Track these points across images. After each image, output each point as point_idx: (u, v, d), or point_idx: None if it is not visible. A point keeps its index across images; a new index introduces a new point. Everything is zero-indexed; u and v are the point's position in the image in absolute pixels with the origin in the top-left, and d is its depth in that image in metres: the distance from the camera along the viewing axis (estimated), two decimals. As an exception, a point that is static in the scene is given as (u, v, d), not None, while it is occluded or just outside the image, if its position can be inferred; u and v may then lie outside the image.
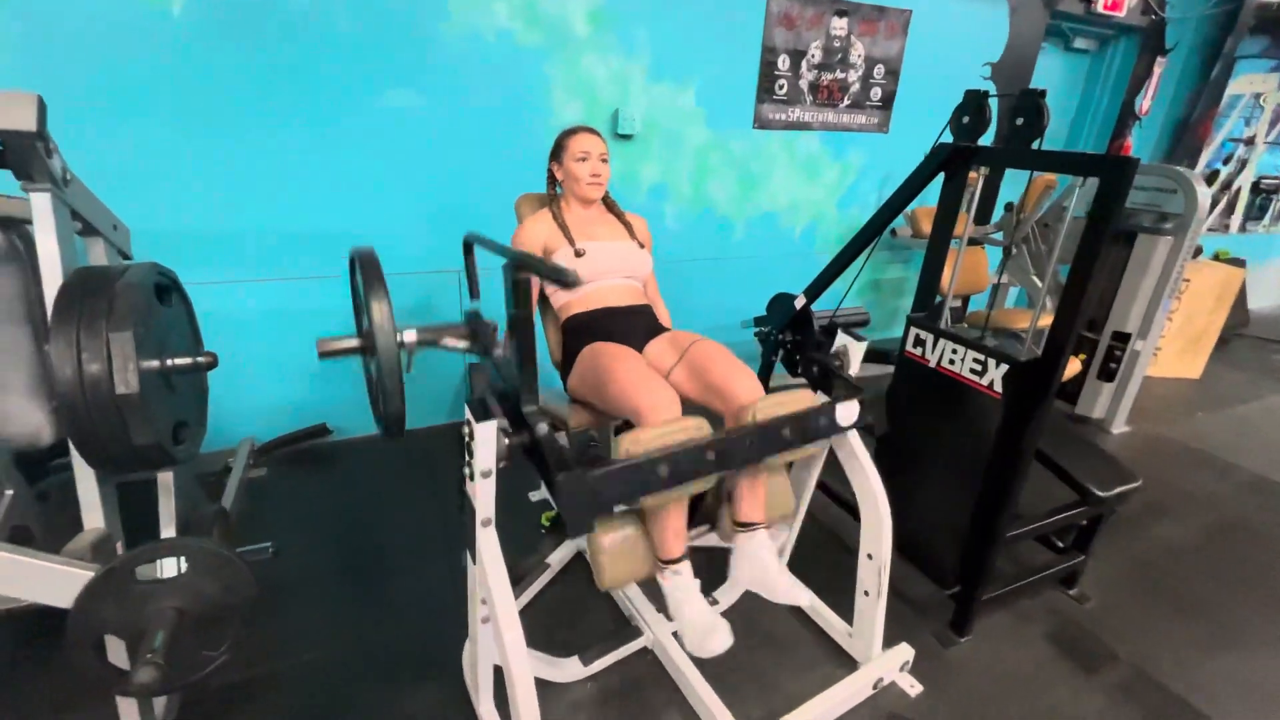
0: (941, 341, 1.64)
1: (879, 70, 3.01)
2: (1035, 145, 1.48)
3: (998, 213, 3.23)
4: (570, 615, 1.74)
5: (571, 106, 2.48)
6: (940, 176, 1.66)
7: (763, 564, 1.35)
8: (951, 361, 1.62)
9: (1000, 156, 1.82)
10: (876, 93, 3.05)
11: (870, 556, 1.56)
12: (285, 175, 2.15)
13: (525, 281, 1.06)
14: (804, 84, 2.87)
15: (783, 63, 2.79)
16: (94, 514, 1.19)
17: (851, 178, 3.16)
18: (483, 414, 1.04)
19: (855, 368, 1.56)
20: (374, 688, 1.51)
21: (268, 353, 2.35)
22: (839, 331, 2.37)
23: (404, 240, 2.39)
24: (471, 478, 1.09)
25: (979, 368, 1.54)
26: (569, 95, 2.45)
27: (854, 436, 1.49)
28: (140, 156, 1.95)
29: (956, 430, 1.64)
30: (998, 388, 1.50)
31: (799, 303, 2.13)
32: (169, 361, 1.19)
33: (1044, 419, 1.48)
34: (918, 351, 1.71)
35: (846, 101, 3.00)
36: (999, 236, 3.15)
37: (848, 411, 1.36)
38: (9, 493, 1.15)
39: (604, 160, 1.62)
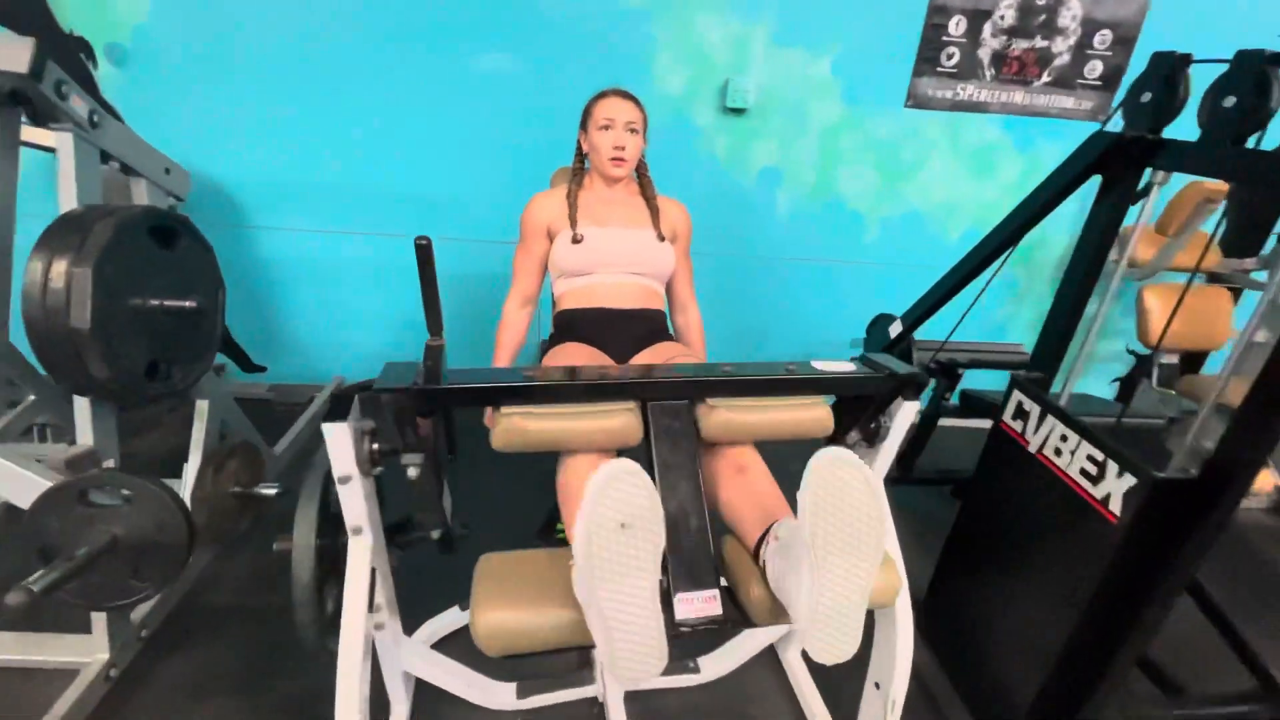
0: (1050, 419, 1.15)
1: (1102, 37, 2.26)
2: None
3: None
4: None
5: (676, 75, 2.21)
6: (1095, 180, 1.14)
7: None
8: (1058, 451, 1.12)
9: (1201, 157, 1.20)
10: (1095, 68, 2.30)
11: (878, 686, 1.18)
12: (382, 135, 2.21)
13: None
14: (985, 54, 2.26)
15: (956, 26, 2.21)
16: (85, 433, 1.30)
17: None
18: (338, 414, 0.91)
19: (897, 432, 1.15)
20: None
21: (361, 301, 2.50)
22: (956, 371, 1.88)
23: (486, 207, 2.36)
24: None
25: (1094, 471, 1.05)
26: (675, 62, 2.19)
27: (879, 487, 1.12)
28: (254, 113, 2.13)
29: (1055, 541, 1.15)
30: (1116, 507, 1.00)
31: (895, 329, 1.69)
32: (144, 301, 1.24)
33: (1191, 567, 0.96)
34: (1017, 426, 1.23)
35: (1046, 78, 2.31)
36: (1261, 276, 2.26)
37: (831, 366, 1.01)
38: (32, 397, 1.30)
39: (632, 130, 1.37)
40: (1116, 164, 1.08)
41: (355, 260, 2.42)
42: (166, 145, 2.06)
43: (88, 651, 1.35)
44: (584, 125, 1.42)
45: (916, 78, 2.29)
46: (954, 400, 2.05)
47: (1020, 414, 1.22)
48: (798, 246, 2.55)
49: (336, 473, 0.94)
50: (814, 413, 1.05)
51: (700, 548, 0.93)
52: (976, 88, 2.31)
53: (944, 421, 2.04)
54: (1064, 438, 1.10)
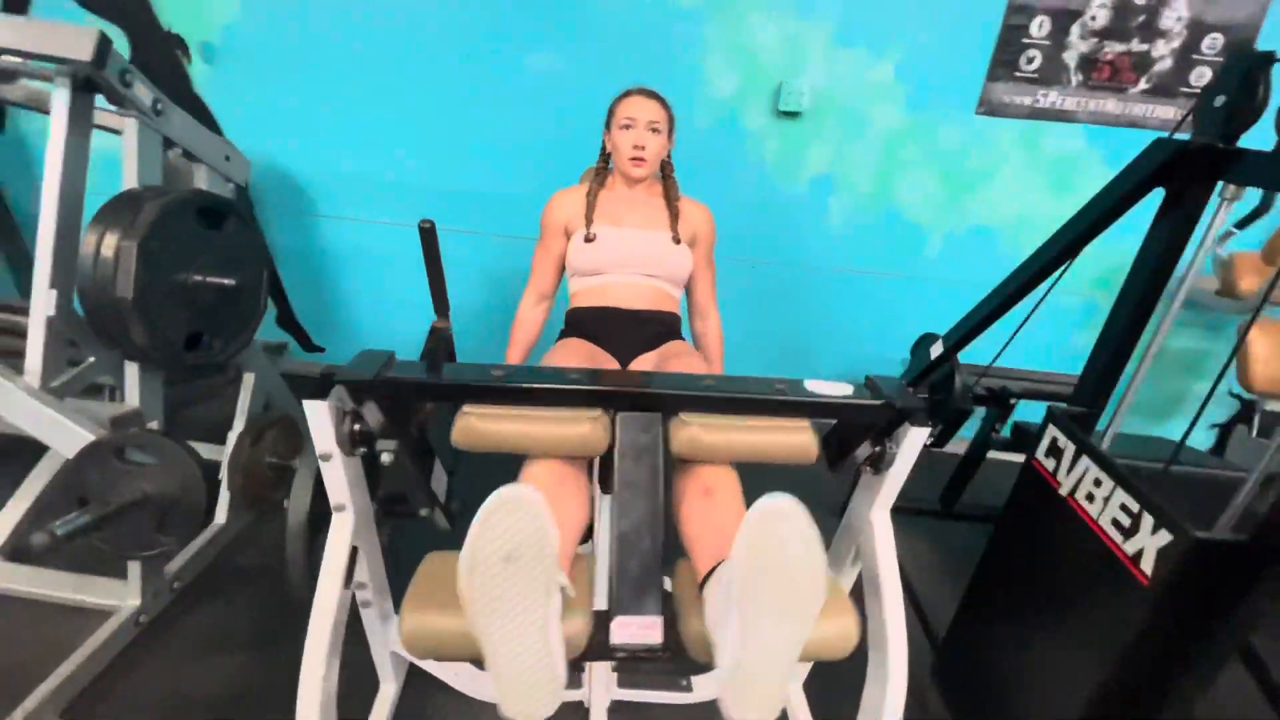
0: (1084, 460, 1.02)
1: (1211, 41, 2.02)
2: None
3: None
4: None
5: (727, 77, 2.16)
6: (1158, 195, 1.01)
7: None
8: (1090, 497, 1.00)
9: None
10: (1202, 74, 2.06)
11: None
12: (440, 132, 2.29)
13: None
14: (1071, 57, 2.07)
15: (1039, 27, 2.04)
16: (132, 394, 1.41)
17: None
18: (319, 392, 0.93)
19: (905, 460, 1.06)
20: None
21: (413, 290, 2.59)
22: (1009, 400, 1.73)
23: (535, 205, 2.39)
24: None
25: (1127, 523, 0.92)
26: (726, 64, 2.15)
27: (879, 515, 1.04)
28: (325, 109, 2.25)
29: (1082, 598, 1.03)
30: (1148, 567, 0.87)
31: (936, 349, 1.58)
32: (187, 276, 1.34)
33: (1237, 638, 0.83)
34: (1049, 465, 1.11)
35: (1144, 85, 2.09)
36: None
37: (824, 388, 0.93)
38: (91, 359, 1.43)
39: (654, 130, 1.34)
40: (1181, 176, 0.94)
41: (409, 251, 2.51)
42: (246, 136, 2.22)
43: (122, 596, 1.46)
44: (608, 124, 1.40)
45: (991, 82, 2.13)
46: (1005, 433, 1.89)
47: (1054, 451, 1.09)
48: (850, 258, 2.43)
49: (317, 449, 0.96)
50: (796, 438, 0.98)
51: (649, 572, 0.89)
52: (1060, 94, 2.12)
53: (994, 455, 1.89)
54: (1098, 482, 0.98)
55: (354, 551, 1.06)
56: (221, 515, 1.73)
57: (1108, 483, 0.95)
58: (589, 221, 1.35)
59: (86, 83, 1.24)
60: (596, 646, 0.88)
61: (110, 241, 1.20)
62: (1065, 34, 2.04)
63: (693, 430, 0.93)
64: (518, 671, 0.74)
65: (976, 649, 1.28)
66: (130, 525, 1.28)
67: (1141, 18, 2.00)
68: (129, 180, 1.35)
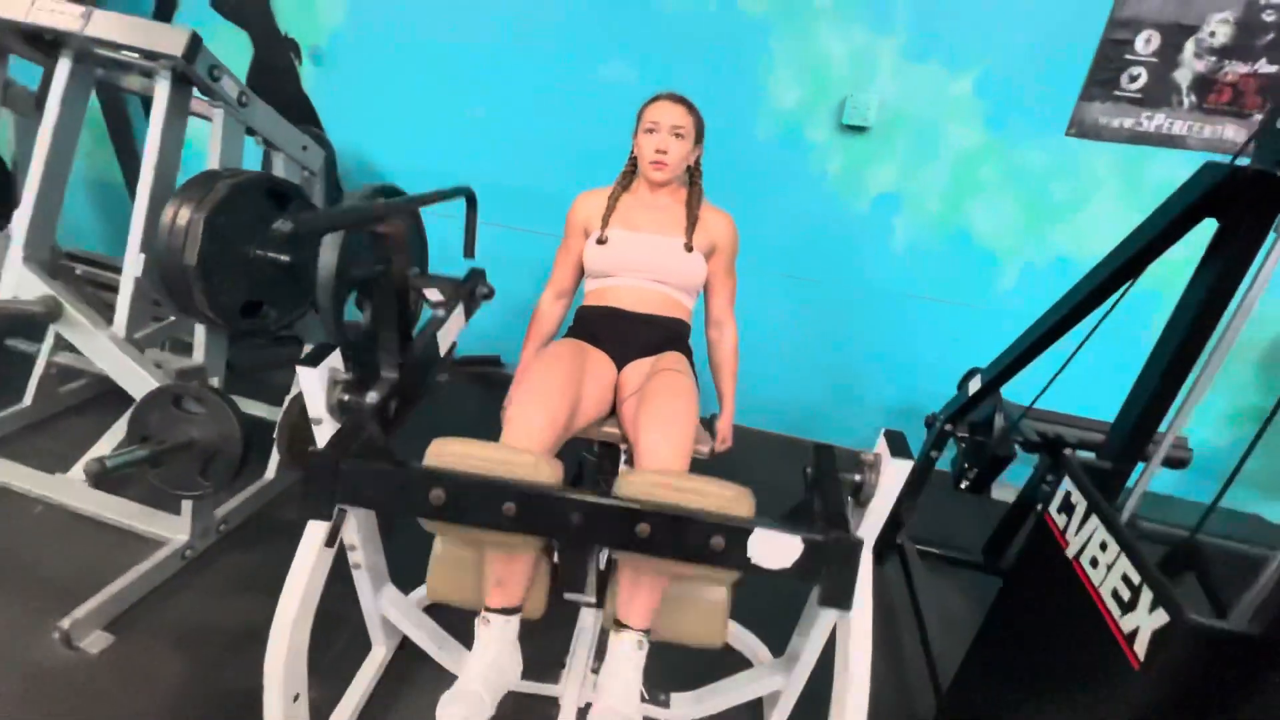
0: (1094, 519, 0.91)
1: (1366, 60, 1.73)
2: None
3: None
4: (536, 624, 1.59)
5: (792, 89, 2.12)
6: (1209, 226, 0.88)
7: (612, 679, 1.01)
8: (1094, 561, 0.89)
9: None
10: (1353, 99, 1.77)
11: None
12: (513, 134, 2.39)
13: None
14: (1183, 76, 1.85)
15: (1145, 43, 1.84)
16: (199, 351, 1.59)
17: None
18: (316, 360, 1.01)
19: (886, 494, 0.98)
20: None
21: (475, 283, 2.73)
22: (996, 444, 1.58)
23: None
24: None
25: (1126, 596, 0.81)
26: (791, 76, 2.10)
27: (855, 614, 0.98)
28: (410, 109, 2.43)
29: (1077, 673, 0.91)
30: (1141, 649, 0.76)
31: (973, 385, 1.47)
32: (249, 250, 1.49)
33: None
34: (1060, 521, 0.99)
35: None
36: None
37: (771, 546, 0.87)
38: (172, 317, 1.63)
39: (678, 135, 1.34)
40: (1235, 205, 0.81)
41: (480, 246, 2.64)
42: (340, 130, 2.44)
43: (174, 531, 1.64)
44: (635, 128, 1.42)
45: (1085, 102, 1.94)
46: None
47: (1066, 507, 0.98)
48: (913, 283, 2.29)
49: (310, 414, 1.04)
50: (710, 595, 1.00)
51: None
52: (1168, 117, 1.90)
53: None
54: (1104, 545, 0.87)
55: (342, 511, 1.14)
56: (271, 471, 1.90)
57: (1113, 547, 0.84)
58: (604, 224, 1.37)
59: (182, 76, 1.42)
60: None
61: (184, 214, 1.36)
62: (1178, 51, 1.82)
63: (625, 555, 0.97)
64: None
65: (977, 704, 1.17)
66: (177, 466, 1.43)
67: (1270, 36, 1.75)
68: (212, 162, 1.53)
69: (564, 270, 1.47)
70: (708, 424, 1.45)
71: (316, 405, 1.04)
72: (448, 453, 0.95)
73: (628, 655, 1.04)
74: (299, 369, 1.01)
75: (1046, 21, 1.88)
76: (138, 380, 1.45)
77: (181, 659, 1.41)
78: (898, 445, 0.95)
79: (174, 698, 1.34)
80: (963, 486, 1.58)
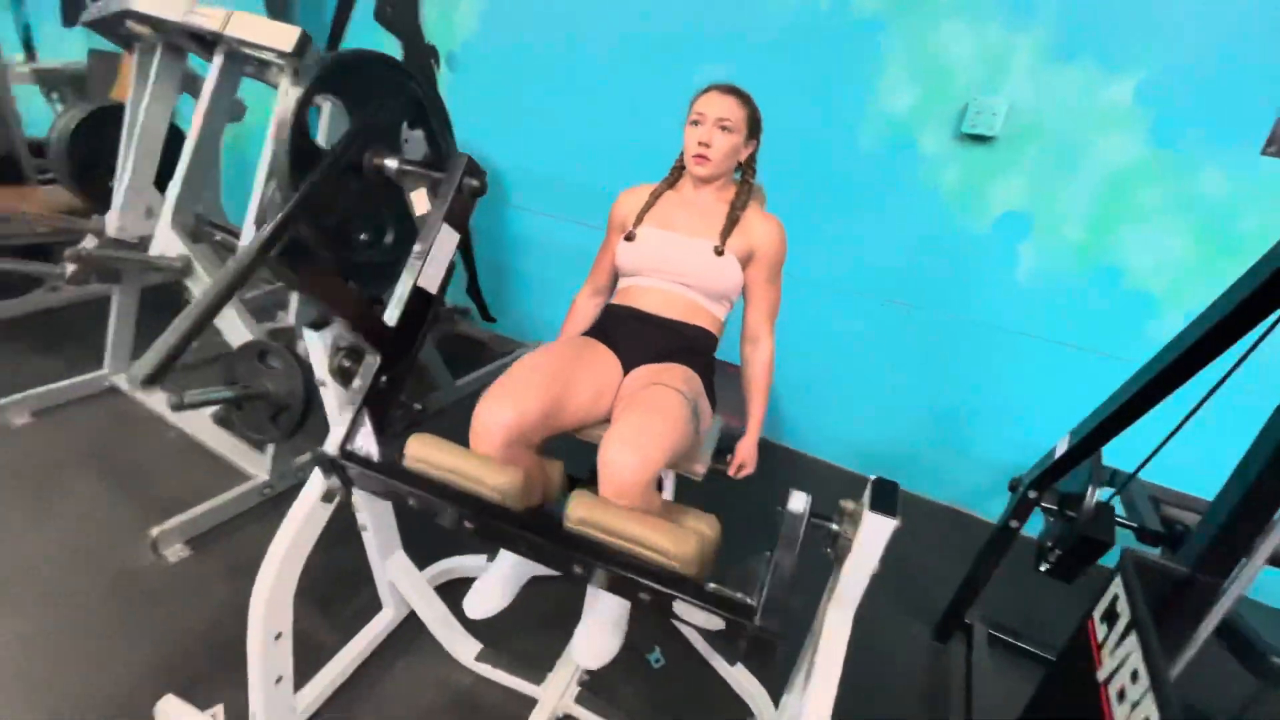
0: (1131, 639, 0.69)
1: None
2: None
3: None
4: (549, 616, 1.58)
5: (905, 91, 1.90)
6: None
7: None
8: (1121, 694, 0.67)
9: None
10: None
11: None
12: (611, 140, 2.42)
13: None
14: None
15: (1397, 33, 1.39)
16: (291, 314, 1.79)
17: None
18: (319, 326, 1.08)
19: (863, 553, 0.82)
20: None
21: (571, 280, 2.80)
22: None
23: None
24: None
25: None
26: (906, 76, 1.89)
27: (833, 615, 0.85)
28: (527, 112, 2.55)
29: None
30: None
31: (1061, 447, 1.22)
32: (342, 224, 1.64)
33: None
34: (1101, 632, 0.76)
35: None
36: None
37: (696, 613, 0.76)
38: (279, 283, 1.85)
39: (724, 128, 1.24)
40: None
41: (574, 246, 2.72)
42: (466, 130, 2.63)
43: (257, 468, 1.86)
44: (686, 120, 1.34)
45: (1296, 112, 1.52)
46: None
47: (1110, 616, 0.75)
48: (1040, 321, 1.95)
49: (316, 375, 1.12)
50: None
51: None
52: None
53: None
54: (1135, 675, 0.65)
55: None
56: (350, 431, 2.08)
57: (1145, 679, 0.63)
58: (638, 220, 1.31)
59: (296, 72, 1.60)
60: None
61: (285, 189, 1.53)
62: None
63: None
64: None
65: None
66: (253, 412, 1.62)
67: None
68: (321, 144, 1.71)
69: (601, 267, 1.44)
70: (727, 443, 1.34)
71: (320, 368, 1.11)
72: (414, 456, 0.98)
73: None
74: (305, 332, 1.08)
75: (1235, 11, 1.50)
76: (237, 333, 1.66)
77: (236, 584, 1.59)
78: (883, 498, 0.79)
79: (221, 616, 1.51)
80: (1042, 569, 1.30)
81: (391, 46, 2.71)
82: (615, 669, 1.47)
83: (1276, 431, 0.69)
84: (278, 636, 1.16)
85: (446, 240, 1.17)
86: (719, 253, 1.25)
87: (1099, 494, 1.18)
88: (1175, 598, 0.73)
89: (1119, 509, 1.25)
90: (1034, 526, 1.48)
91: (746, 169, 1.35)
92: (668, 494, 1.50)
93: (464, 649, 1.46)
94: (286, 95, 1.65)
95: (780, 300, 1.36)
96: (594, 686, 1.42)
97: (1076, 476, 1.25)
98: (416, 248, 1.17)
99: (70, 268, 1.89)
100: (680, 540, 0.84)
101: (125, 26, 1.77)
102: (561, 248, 2.73)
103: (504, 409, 1.00)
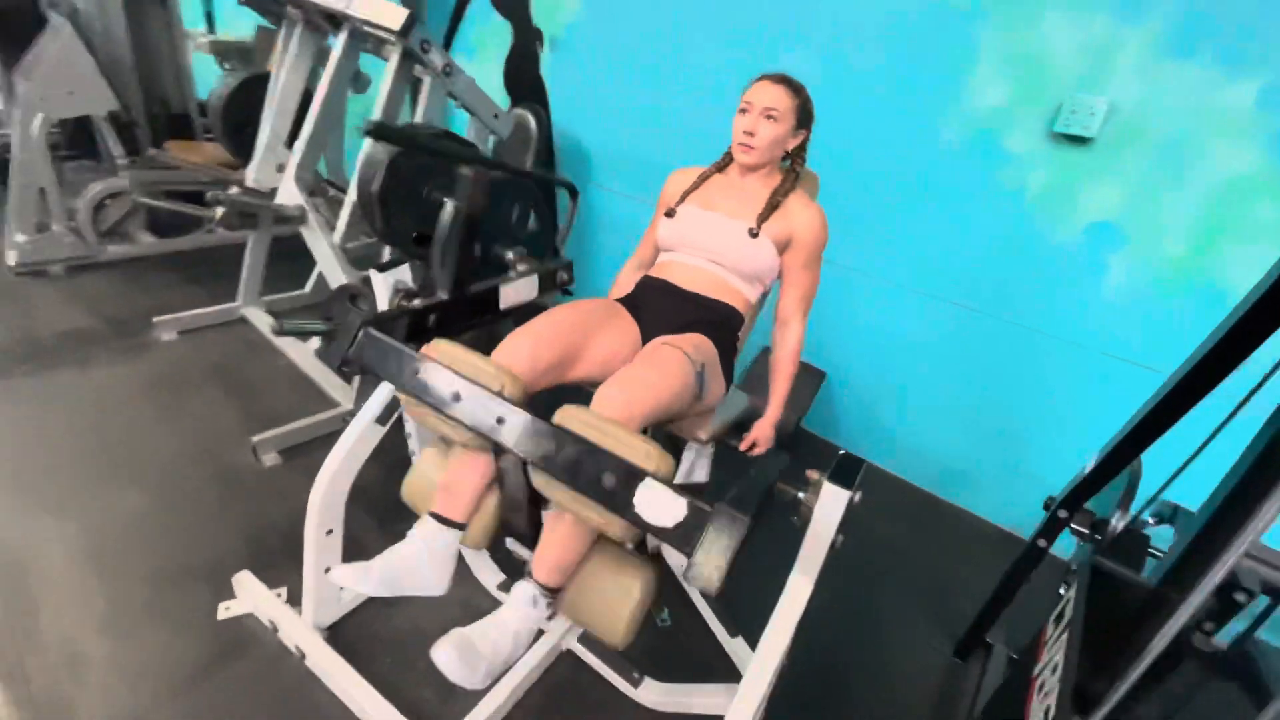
0: (1064, 638, 0.68)
1: None
2: None
3: None
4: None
5: (995, 86, 1.81)
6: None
7: (487, 621, 1.03)
8: (1041, 686, 0.67)
9: None
10: None
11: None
12: (694, 124, 2.47)
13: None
14: None
15: None
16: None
17: None
18: (386, 269, 1.24)
19: (821, 523, 0.85)
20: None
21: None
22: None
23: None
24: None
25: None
26: (999, 70, 1.79)
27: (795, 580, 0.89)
28: (614, 95, 2.65)
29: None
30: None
31: (1091, 463, 1.18)
32: (423, 191, 1.83)
33: None
34: (1050, 630, 0.75)
35: None
36: None
37: (658, 501, 0.81)
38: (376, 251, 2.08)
39: (769, 117, 1.26)
40: None
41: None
42: (562, 110, 2.78)
43: (344, 398, 2.11)
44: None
45: None
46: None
47: (1059, 618, 0.74)
48: (1126, 342, 1.80)
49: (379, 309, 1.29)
50: (607, 523, 0.94)
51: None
52: None
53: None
54: (1054, 668, 0.65)
55: (395, 400, 1.37)
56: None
57: (1059, 672, 0.63)
58: (682, 199, 1.37)
59: (407, 52, 1.80)
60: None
61: (380, 153, 1.74)
62: None
63: (539, 480, 0.98)
64: None
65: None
66: (335, 346, 1.85)
67: None
68: (416, 117, 1.91)
69: (647, 242, 1.51)
70: (745, 419, 1.37)
71: (382, 303, 1.27)
72: (436, 349, 1.09)
73: (515, 604, 1.02)
74: (372, 272, 1.25)
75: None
76: (336, 276, 1.90)
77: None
78: (845, 471, 0.82)
79: (298, 516, 1.74)
80: (1061, 591, 1.24)
81: (505, 29, 2.91)
82: (622, 621, 1.58)
83: (1245, 461, 0.65)
84: (329, 532, 1.35)
85: (528, 288, 1.37)
86: (753, 234, 1.28)
87: (1129, 517, 1.11)
88: (1138, 611, 0.71)
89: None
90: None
91: (795, 157, 1.36)
92: (701, 476, 1.55)
93: (489, 578, 1.61)
94: (396, 71, 1.85)
95: (816, 288, 1.37)
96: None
97: (1108, 495, 1.18)
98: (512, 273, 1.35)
99: (219, 211, 2.23)
100: (654, 457, 0.89)
101: (275, 5, 2.06)
102: (638, 229, 2.80)
103: (520, 350, 1.10)
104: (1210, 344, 0.86)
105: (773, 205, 1.31)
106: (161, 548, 1.57)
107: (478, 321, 1.41)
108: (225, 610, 1.44)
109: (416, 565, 1.07)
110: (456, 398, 0.98)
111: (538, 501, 1.09)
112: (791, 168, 1.37)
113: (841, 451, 0.85)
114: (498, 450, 1.05)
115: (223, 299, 2.61)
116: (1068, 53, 1.68)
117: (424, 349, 1.10)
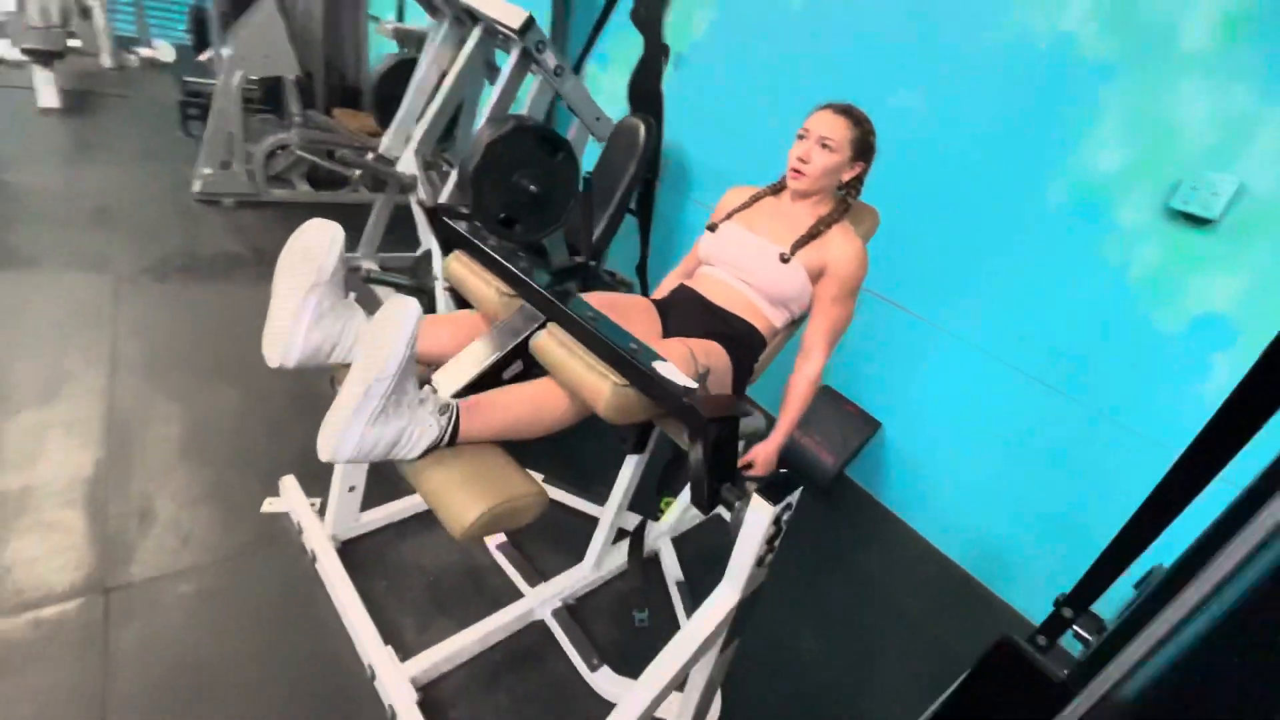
0: None
1: None
2: None
3: None
4: (562, 539, 1.78)
5: (1113, 150, 1.67)
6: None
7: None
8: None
9: None
10: None
11: None
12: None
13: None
14: None
15: None
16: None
17: None
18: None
19: (744, 540, 0.85)
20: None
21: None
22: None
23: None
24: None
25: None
26: (1118, 135, 1.65)
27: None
28: (723, 117, 2.71)
29: None
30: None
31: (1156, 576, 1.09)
32: (514, 177, 1.99)
33: None
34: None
35: None
36: None
37: (674, 374, 0.87)
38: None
39: (824, 146, 1.27)
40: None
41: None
42: (674, 124, 2.88)
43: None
44: (803, 133, 1.39)
45: None
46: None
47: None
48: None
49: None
50: (601, 383, 0.96)
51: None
52: None
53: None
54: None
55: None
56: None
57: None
58: (728, 216, 1.41)
59: (525, 53, 1.98)
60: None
61: (482, 136, 1.92)
62: None
63: (544, 338, 1.03)
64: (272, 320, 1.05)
65: None
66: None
67: None
68: (522, 109, 2.08)
69: (692, 254, 1.56)
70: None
71: (430, 240, 1.42)
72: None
73: (428, 404, 0.97)
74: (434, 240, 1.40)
75: None
76: (427, 241, 2.12)
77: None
78: (775, 487, 0.82)
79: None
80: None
81: (638, 41, 3.08)
82: (600, 612, 1.63)
83: (1160, 576, 0.58)
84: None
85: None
86: (784, 259, 1.29)
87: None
88: (1047, 701, 0.66)
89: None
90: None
91: (849, 189, 1.36)
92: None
93: (492, 537, 1.72)
94: (515, 67, 2.04)
95: (846, 323, 1.35)
96: (575, 613, 1.58)
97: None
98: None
99: (356, 171, 2.56)
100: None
101: (431, 1, 2.33)
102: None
103: None
104: (1201, 435, 0.77)
105: (812, 234, 1.31)
106: (237, 442, 1.84)
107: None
108: (268, 505, 1.66)
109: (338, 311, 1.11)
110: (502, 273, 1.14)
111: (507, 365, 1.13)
112: (843, 199, 1.36)
113: (782, 470, 0.86)
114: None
115: (347, 249, 2.96)
116: (1198, 124, 1.53)
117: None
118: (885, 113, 2.11)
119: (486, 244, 1.20)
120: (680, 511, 1.82)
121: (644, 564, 1.78)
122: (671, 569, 1.77)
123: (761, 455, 1.33)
